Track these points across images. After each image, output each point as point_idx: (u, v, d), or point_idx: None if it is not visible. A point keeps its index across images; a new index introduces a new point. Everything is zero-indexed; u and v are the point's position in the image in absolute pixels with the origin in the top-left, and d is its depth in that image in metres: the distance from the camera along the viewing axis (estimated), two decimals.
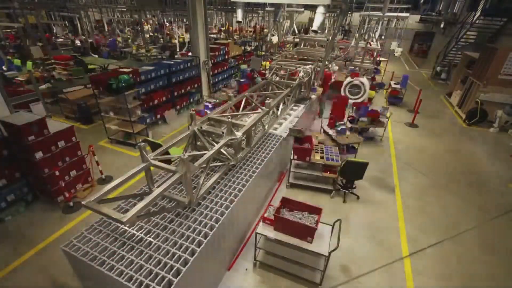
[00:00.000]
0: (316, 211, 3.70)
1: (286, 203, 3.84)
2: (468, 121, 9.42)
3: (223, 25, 24.47)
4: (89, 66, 11.52)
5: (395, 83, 11.17)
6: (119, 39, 17.71)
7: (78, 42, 16.11)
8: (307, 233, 3.40)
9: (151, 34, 19.84)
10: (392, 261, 4.16)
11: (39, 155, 4.48)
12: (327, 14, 19.89)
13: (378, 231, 4.70)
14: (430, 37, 23.70)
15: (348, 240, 4.47)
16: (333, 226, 3.71)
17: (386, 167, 6.61)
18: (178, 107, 8.95)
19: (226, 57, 11.50)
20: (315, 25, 6.97)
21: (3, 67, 10.21)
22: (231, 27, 22.87)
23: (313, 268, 3.66)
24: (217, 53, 10.56)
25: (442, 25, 19.68)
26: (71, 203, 4.89)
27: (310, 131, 7.17)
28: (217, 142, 3.93)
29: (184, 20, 21.24)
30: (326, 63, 8.45)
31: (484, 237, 4.72)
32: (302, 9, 16.84)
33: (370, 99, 10.06)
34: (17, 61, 10.75)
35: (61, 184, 4.80)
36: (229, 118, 4.09)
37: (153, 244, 2.82)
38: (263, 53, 15.48)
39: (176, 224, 3.08)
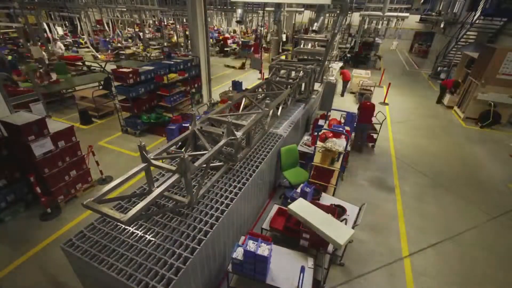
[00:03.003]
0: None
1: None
2: (480, 123, 9.23)
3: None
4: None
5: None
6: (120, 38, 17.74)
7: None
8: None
9: (149, 37, 19.90)
10: (392, 261, 4.16)
11: (39, 155, 4.48)
12: (327, 14, 19.92)
13: (378, 231, 4.70)
14: (430, 37, 23.72)
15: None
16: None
17: (386, 167, 6.61)
18: None
19: None
20: (315, 25, 6.99)
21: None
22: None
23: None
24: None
25: (442, 25, 19.67)
26: (48, 210, 4.73)
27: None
28: (217, 142, 3.93)
29: (184, 20, 21.26)
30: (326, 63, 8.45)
31: (484, 237, 4.72)
32: (302, 9, 16.87)
33: None
34: (9, 58, 10.84)
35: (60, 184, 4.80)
36: (229, 118, 4.09)
37: (152, 242, 2.82)
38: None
39: (176, 223, 3.09)
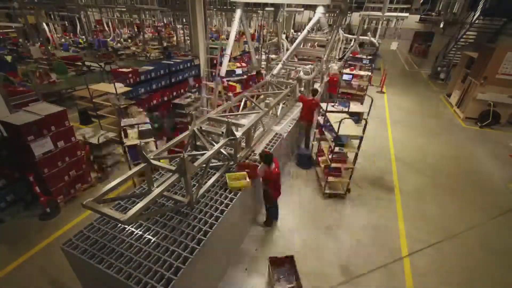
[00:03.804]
0: None
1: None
2: (480, 123, 9.21)
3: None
4: None
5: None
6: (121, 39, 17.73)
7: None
8: None
9: (149, 37, 19.88)
10: (392, 261, 4.16)
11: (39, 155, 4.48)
12: (327, 14, 19.89)
13: (378, 231, 4.70)
14: (430, 37, 23.73)
15: (347, 240, 4.47)
16: None
17: (385, 167, 6.61)
18: None
19: None
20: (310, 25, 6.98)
21: None
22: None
23: None
24: (220, 53, 10.46)
25: (441, 25, 19.69)
26: (48, 210, 4.69)
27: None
28: (217, 142, 3.93)
29: (184, 20, 21.25)
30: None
31: (484, 237, 4.72)
32: (302, 9, 16.86)
33: None
34: (8, 57, 10.79)
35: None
36: (228, 118, 4.10)
37: (152, 241, 2.82)
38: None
39: (175, 222, 3.09)
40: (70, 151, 5.01)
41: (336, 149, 5.08)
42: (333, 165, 5.16)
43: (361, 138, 4.85)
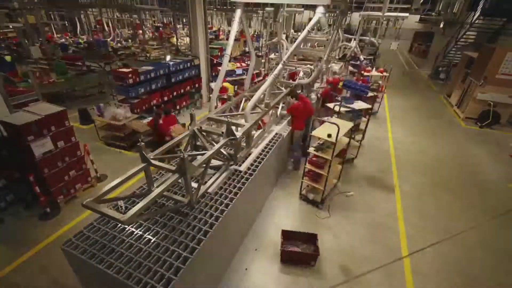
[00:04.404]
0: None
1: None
2: (480, 123, 9.20)
3: None
4: None
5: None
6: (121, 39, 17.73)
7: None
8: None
9: (150, 35, 19.90)
10: (392, 261, 4.14)
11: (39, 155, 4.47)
12: (327, 14, 19.90)
13: (377, 231, 4.70)
14: (430, 37, 23.72)
15: (347, 240, 4.47)
16: None
17: (385, 167, 6.61)
18: (178, 107, 8.95)
19: None
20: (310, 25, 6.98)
21: None
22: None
23: None
24: (219, 53, 10.50)
25: (441, 25, 19.68)
26: (48, 210, 4.69)
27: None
28: (217, 142, 3.93)
29: (184, 20, 21.27)
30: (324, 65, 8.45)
31: (484, 237, 4.72)
32: (302, 9, 16.85)
33: None
34: (8, 57, 10.75)
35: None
36: (228, 118, 4.09)
37: (152, 241, 2.82)
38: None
39: (175, 222, 3.09)
40: (70, 151, 5.01)
41: (311, 150, 4.83)
42: (308, 166, 4.89)
43: (334, 144, 4.44)
